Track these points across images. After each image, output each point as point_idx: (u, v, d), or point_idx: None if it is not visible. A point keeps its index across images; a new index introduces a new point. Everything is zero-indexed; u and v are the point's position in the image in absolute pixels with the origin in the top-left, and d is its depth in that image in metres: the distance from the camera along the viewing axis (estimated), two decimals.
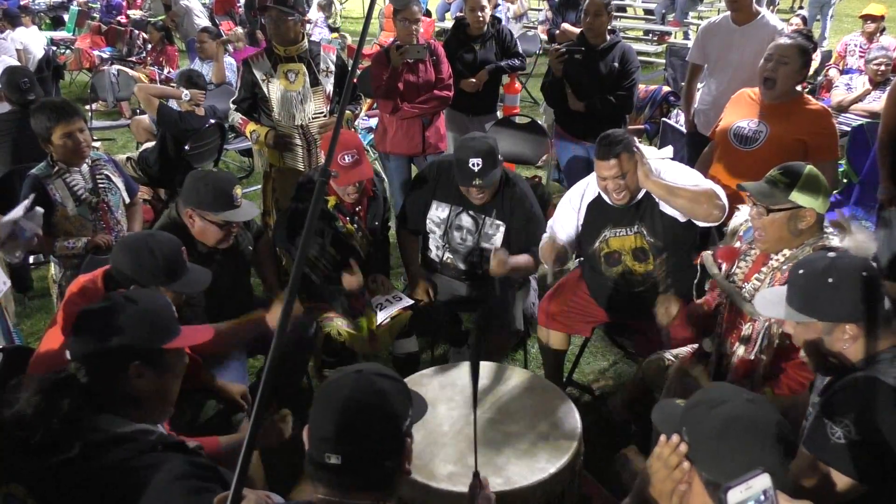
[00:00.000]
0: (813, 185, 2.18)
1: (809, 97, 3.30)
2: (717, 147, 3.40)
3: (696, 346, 2.66)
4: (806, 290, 1.75)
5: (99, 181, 3.21)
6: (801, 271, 1.78)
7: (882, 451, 1.58)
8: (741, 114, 3.29)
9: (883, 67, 5.57)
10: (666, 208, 2.75)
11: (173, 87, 5.13)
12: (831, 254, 1.77)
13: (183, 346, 1.76)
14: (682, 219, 2.75)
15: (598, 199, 2.88)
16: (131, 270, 2.18)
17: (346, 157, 2.95)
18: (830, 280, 1.70)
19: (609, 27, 4.21)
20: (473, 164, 2.90)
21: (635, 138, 2.81)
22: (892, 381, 1.62)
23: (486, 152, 2.91)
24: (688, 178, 2.74)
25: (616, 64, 4.15)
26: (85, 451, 1.50)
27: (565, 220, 2.96)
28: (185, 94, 4.86)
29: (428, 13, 9.68)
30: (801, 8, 12.43)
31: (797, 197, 2.17)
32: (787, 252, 2.25)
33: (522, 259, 3.05)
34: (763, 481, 0.84)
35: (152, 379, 1.66)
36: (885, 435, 1.58)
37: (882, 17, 6.90)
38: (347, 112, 3.95)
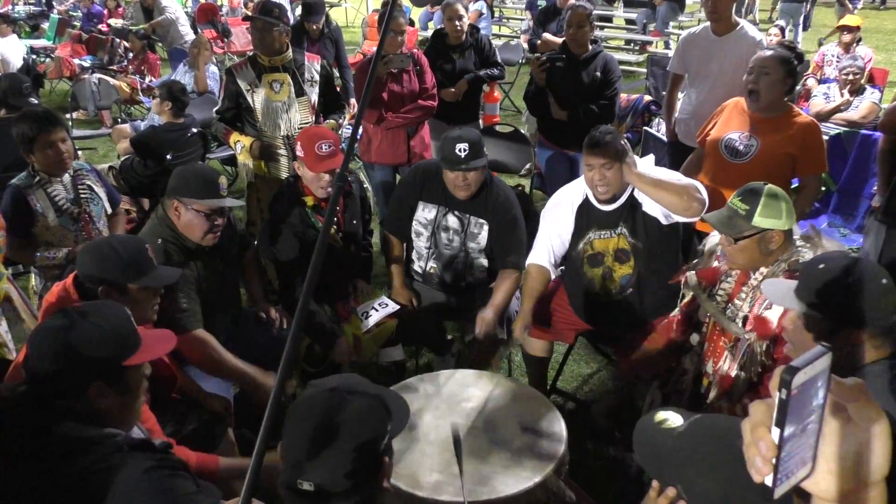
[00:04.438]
0: (774, 205, 2.19)
1: (799, 110, 3.31)
2: (707, 157, 3.42)
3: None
4: (823, 286, 1.70)
5: (81, 191, 3.19)
6: (820, 266, 1.73)
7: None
8: (733, 125, 3.30)
9: (851, 77, 5.67)
10: (649, 209, 2.78)
11: (154, 95, 5.08)
12: (854, 254, 1.72)
13: (143, 361, 1.71)
14: (664, 221, 2.79)
15: (584, 203, 2.91)
16: (98, 271, 2.16)
17: (322, 146, 2.99)
18: (850, 281, 1.66)
19: (591, 37, 4.26)
20: (461, 150, 2.94)
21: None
22: (888, 396, 1.59)
23: (473, 140, 2.98)
24: (668, 176, 2.78)
25: (598, 73, 4.20)
26: (50, 457, 1.48)
27: (560, 226, 2.98)
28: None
29: (411, 23, 9.71)
30: (780, 18, 12.59)
31: (760, 221, 2.19)
32: (763, 270, 2.28)
33: (504, 293, 3.08)
34: (825, 361, 0.74)
35: (114, 397, 1.61)
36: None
37: (858, 28, 7.02)
38: (332, 121, 3.96)
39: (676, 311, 2.64)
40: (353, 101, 5.44)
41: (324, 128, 3.31)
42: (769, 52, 3.19)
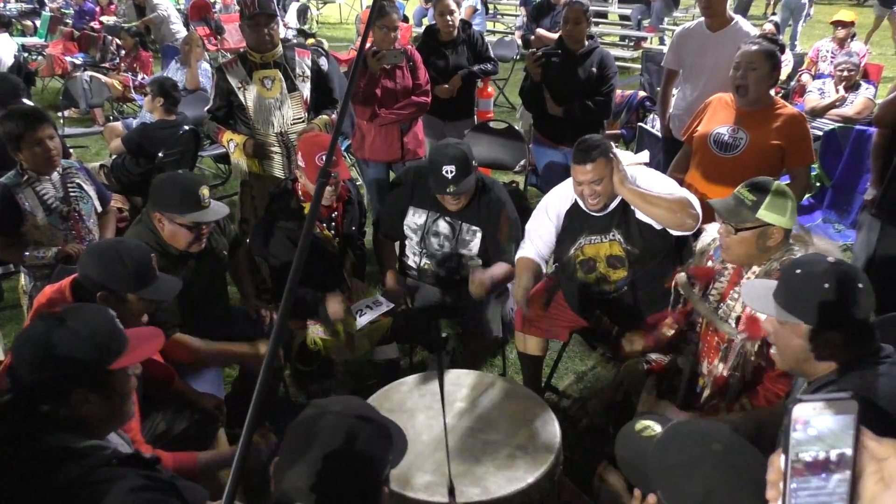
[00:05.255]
0: (780, 202, 2.18)
1: (783, 102, 3.32)
2: (696, 153, 3.40)
3: (671, 352, 2.67)
4: (799, 290, 1.71)
5: (70, 190, 3.15)
6: (797, 271, 1.73)
7: None
8: (719, 120, 3.30)
9: (846, 73, 5.66)
10: (642, 216, 2.76)
11: (146, 93, 5.05)
12: (831, 258, 1.72)
13: (130, 364, 1.67)
14: (657, 226, 2.76)
15: (575, 206, 2.88)
16: (100, 277, 2.13)
17: (322, 156, 2.94)
18: (827, 286, 1.66)
19: (587, 33, 4.24)
20: (447, 172, 2.89)
21: (612, 143, 2.82)
22: (870, 395, 1.59)
23: (460, 159, 2.91)
24: (662, 185, 2.75)
25: (594, 69, 4.17)
26: (36, 468, 1.45)
27: (542, 228, 2.96)
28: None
29: (405, 19, 9.67)
30: (773, 14, 12.59)
31: (764, 215, 2.17)
32: (756, 269, 2.26)
33: (500, 270, 3.04)
34: (848, 406, 0.72)
35: (99, 402, 1.57)
36: None
37: (852, 23, 7.02)
38: (325, 117, 3.92)
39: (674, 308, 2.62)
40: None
41: (324, 136, 3.26)
42: (754, 47, 3.17)
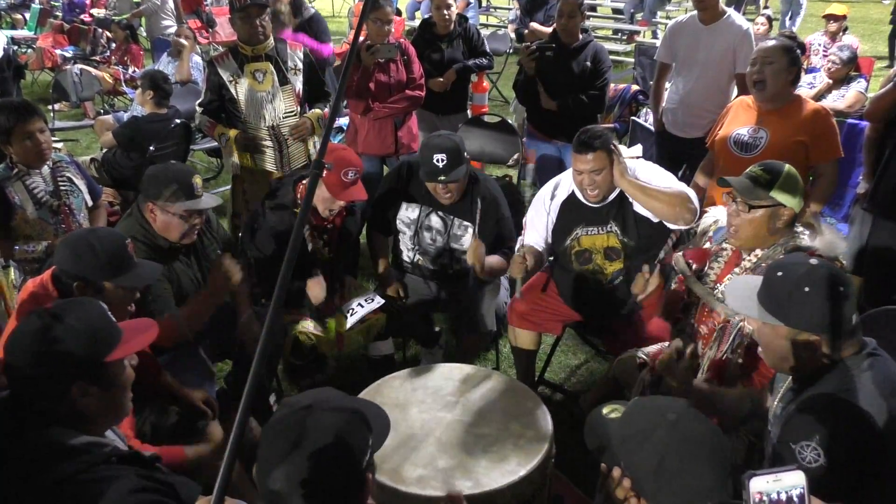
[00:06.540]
0: (791, 184, 2.20)
1: (807, 99, 3.27)
2: (718, 157, 3.37)
3: (666, 344, 2.68)
4: (780, 293, 1.73)
5: (60, 183, 3.13)
6: (779, 273, 1.75)
7: (851, 470, 1.58)
8: (740, 122, 3.26)
9: (830, 65, 5.68)
10: (639, 208, 2.76)
11: (136, 86, 5.01)
12: (813, 260, 1.73)
13: (126, 356, 1.66)
14: (654, 219, 2.77)
15: (572, 197, 2.89)
16: (74, 267, 2.10)
17: (349, 173, 2.85)
18: (807, 289, 1.67)
19: (581, 27, 4.24)
20: (438, 160, 2.89)
21: (613, 135, 2.82)
22: (849, 396, 1.62)
23: (451, 149, 2.90)
24: (661, 179, 2.75)
25: (589, 63, 4.16)
26: (34, 465, 1.44)
27: (538, 219, 2.97)
28: None
29: (398, 12, 9.64)
30: (766, 8, 12.59)
31: (777, 194, 2.18)
32: (759, 252, 2.27)
33: (494, 259, 3.04)
34: (795, 478, 0.81)
35: (98, 395, 1.57)
36: (852, 453, 1.57)
37: (844, 17, 7.04)
38: (317, 111, 3.90)
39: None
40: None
41: (353, 153, 3.15)
42: (771, 42, 3.17)
